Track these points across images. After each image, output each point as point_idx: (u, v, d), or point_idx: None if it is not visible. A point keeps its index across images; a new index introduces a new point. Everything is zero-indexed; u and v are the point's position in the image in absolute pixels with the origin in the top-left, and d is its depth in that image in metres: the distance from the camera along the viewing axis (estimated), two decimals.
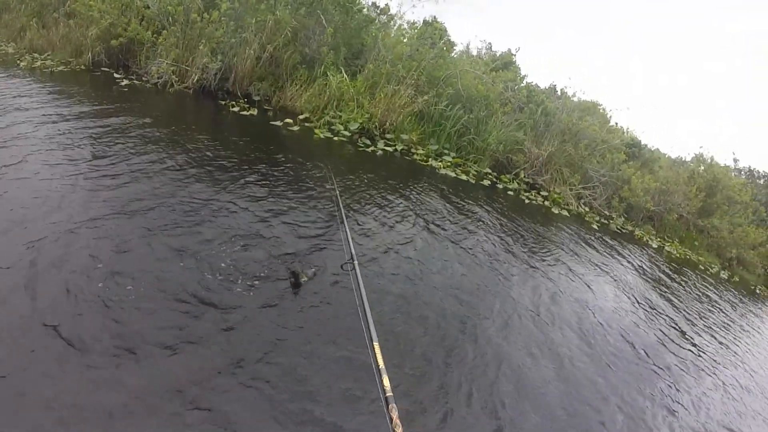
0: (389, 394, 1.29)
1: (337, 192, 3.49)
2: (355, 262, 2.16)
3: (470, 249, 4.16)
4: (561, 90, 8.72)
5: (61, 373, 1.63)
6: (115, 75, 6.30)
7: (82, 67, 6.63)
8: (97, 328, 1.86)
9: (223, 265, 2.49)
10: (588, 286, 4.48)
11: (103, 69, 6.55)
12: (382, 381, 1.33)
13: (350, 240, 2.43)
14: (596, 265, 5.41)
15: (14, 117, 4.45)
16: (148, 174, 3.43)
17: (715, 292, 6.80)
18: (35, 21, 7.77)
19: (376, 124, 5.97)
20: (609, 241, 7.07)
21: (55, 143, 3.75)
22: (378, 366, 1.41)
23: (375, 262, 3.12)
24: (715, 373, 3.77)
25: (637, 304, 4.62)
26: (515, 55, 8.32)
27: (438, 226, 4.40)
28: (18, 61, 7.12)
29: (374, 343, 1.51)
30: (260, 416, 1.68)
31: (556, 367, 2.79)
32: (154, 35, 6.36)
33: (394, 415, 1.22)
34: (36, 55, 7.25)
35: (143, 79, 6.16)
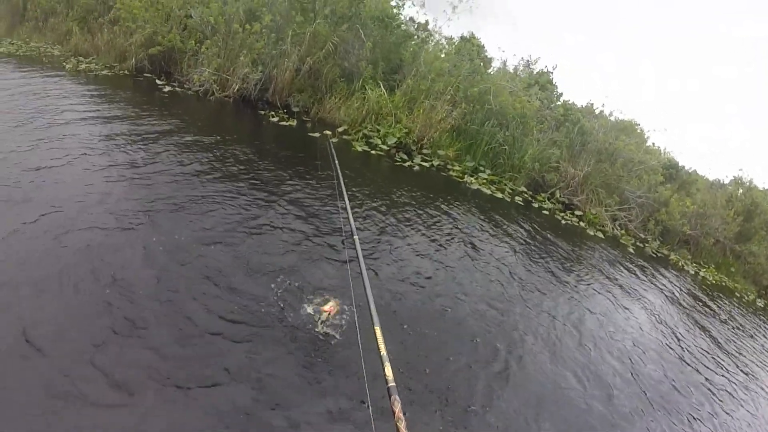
0: (391, 384, 1.18)
1: (340, 174, 3.44)
2: (356, 237, 2.11)
3: (504, 266, 4.08)
4: (599, 109, 8.49)
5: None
6: (158, 81, 6.40)
7: (126, 72, 6.77)
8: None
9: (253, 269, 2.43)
10: (620, 309, 4.31)
11: (145, 75, 6.68)
12: (384, 369, 1.23)
13: (351, 215, 2.43)
14: (630, 288, 5.20)
15: (61, 117, 4.54)
16: (187, 179, 3.44)
17: (751, 321, 6.45)
18: (80, 26, 8.03)
19: (414, 139, 5.89)
20: (644, 264, 6.80)
21: (98, 144, 3.80)
22: (380, 353, 1.30)
23: (404, 273, 3.10)
24: (752, 404, 3.53)
25: (670, 331, 4.41)
26: (552, 73, 8.17)
27: (472, 242, 4.32)
28: (64, 64, 7.33)
29: (375, 328, 1.42)
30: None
31: (577, 385, 2.65)
32: (197, 44, 6.46)
33: (397, 408, 1.10)
34: (81, 58, 7.46)
35: (185, 86, 6.24)
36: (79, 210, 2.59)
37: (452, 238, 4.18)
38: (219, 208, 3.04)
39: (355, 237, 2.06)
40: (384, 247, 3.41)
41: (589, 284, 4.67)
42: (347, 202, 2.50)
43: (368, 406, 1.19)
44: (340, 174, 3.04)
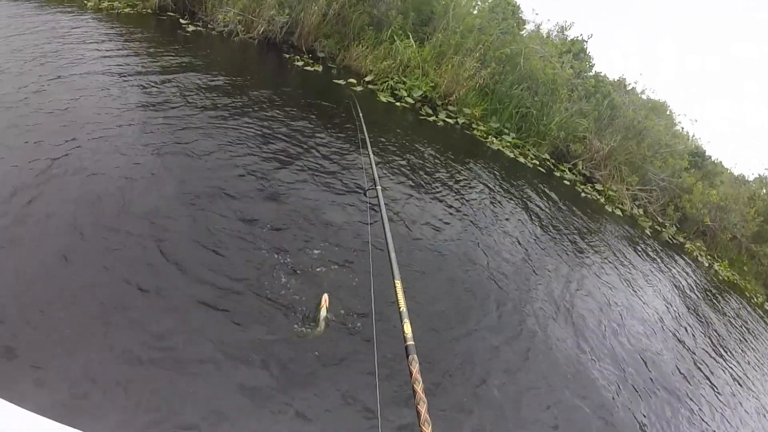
0: (410, 342, 1.10)
1: (364, 126, 3.24)
2: (378, 187, 2.02)
3: (522, 230, 4.03)
4: (630, 85, 8.17)
5: None
6: (181, 20, 6.24)
7: (149, 10, 6.60)
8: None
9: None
10: (634, 290, 4.25)
11: (169, 13, 6.50)
12: (402, 326, 1.15)
13: (374, 166, 2.30)
14: (645, 271, 5.14)
15: (82, 55, 4.44)
16: (208, 122, 3.33)
17: (757, 323, 6.34)
18: None
19: (440, 94, 5.72)
20: (659, 249, 6.69)
21: (117, 83, 3.70)
22: (399, 309, 1.22)
23: (414, 227, 3.04)
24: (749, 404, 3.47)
25: (678, 319, 4.35)
26: (587, 42, 7.83)
27: (492, 202, 4.26)
28: (85, 1, 7.19)
29: (396, 281, 1.33)
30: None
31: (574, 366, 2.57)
32: None
33: (414, 368, 1.02)
34: None
35: (209, 26, 6.08)
36: (95, 150, 2.53)
37: (472, 197, 4.13)
38: (237, 155, 2.95)
39: (378, 187, 1.97)
40: (403, 199, 3.37)
41: (605, 260, 4.61)
42: (371, 153, 2.38)
43: (376, 383, 1.11)
44: (364, 126, 2.93)
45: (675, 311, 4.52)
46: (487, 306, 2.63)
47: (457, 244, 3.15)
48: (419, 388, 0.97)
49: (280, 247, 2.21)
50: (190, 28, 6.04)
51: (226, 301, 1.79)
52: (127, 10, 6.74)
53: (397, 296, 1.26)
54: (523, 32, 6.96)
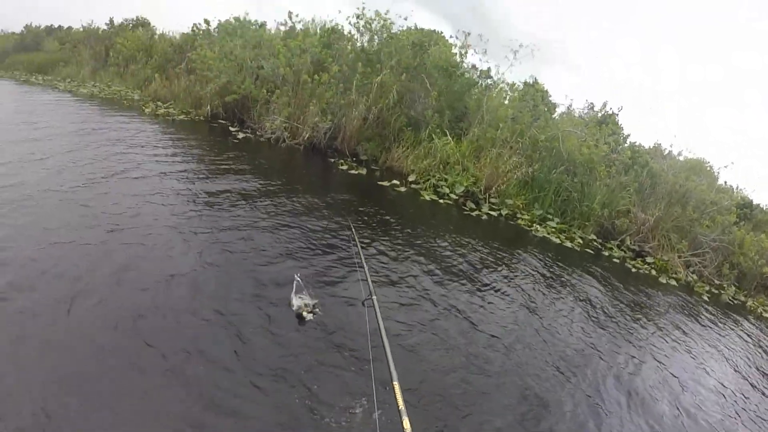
0: None
1: (354, 234, 3.42)
2: (374, 297, 2.13)
3: (572, 319, 3.84)
4: (666, 149, 8.10)
5: None
6: (231, 128, 6.76)
7: (201, 117, 7.23)
8: None
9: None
10: (694, 363, 3.90)
11: (220, 121, 7.08)
12: (402, 423, 1.25)
13: (369, 277, 2.43)
14: (708, 342, 4.74)
15: (144, 156, 4.87)
16: (263, 219, 3.55)
17: None
18: (159, 73, 8.72)
19: (481, 188, 5.81)
20: (720, 313, 6.23)
21: (174, 182, 4.05)
22: (398, 407, 1.32)
23: (469, 320, 3.05)
24: None
25: (751, 392, 3.91)
26: (618, 114, 7.91)
27: (539, 290, 4.14)
28: (143, 108, 7.94)
29: (394, 383, 1.43)
30: None
31: None
32: (268, 93, 6.80)
33: None
34: (159, 103, 8.06)
35: (257, 133, 6.54)
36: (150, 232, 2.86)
37: (523, 287, 4.06)
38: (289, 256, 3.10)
39: (374, 298, 2.12)
40: (458, 294, 3.39)
41: (665, 334, 4.32)
42: (366, 267, 2.53)
43: None
44: (356, 237, 3.19)
45: (748, 378, 4.11)
46: (537, 407, 2.52)
47: (515, 336, 3.09)
48: None
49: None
50: (240, 135, 6.50)
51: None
52: (181, 117, 7.39)
53: (395, 396, 1.36)
54: (554, 115, 7.11)
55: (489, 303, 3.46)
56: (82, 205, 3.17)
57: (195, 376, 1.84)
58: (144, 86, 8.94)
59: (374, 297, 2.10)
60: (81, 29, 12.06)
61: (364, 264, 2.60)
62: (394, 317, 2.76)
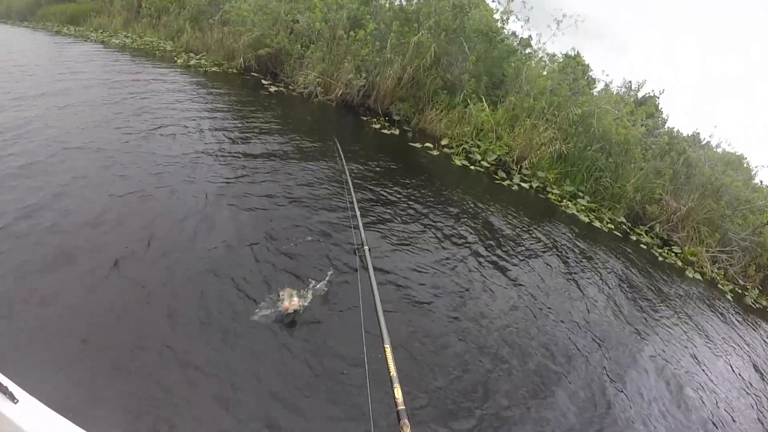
0: (401, 407, 1.10)
1: (348, 175, 3.28)
2: (366, 247, 1.94)
3: (594, 298, 3.81)
4: (705, 139, 7.79)
5: None
6: (264, 81, 6.71)
7: (234, 70, 7.17)
8: None
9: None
10: (715, 366, 3.81)
11: (252, 74, 7.02)
12: (393, 391, 1.15)
13: (361, 227, 2.26)
14: (726, 343, 4.64)
15: (175, 104, 4.88)
16: (287, 174, 3.55)
17: None
18: (192, 24, 8.65)
19: (514, 158, 5.68)
20: (741, 315, 6.09)
21: (205, 132, 4.06)
22: (390, 373, 1.21)
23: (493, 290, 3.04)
24: None
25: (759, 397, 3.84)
26: (658, 97, 7.60)
27: (563, 269, 4.08)
28: (175, 58, 7.92)
29: (385, 346, 1.31)
30: None
31: None
32: (302, 48, 6.70)
33: None
34: (191, 54, 8.02)
35: (289, 87, 6.48)
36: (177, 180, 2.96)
37: (543, 262, 4.00)
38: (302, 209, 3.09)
39: (366, 248, 1.93)
40: (480, 263, 3.34)
41: (683, 331, 4.24)
42: (358, 214, 2.36)
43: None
44: (352, 188, 2.94)
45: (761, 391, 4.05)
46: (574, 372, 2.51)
47: (531, 312, 3.04)
48: None
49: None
50: (272, 88, 6.45)
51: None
52: (214, 68, 7.35)
53: (387, 361, 1.25)
54: (594, 91, 6.86)
55: (512, 273, 3.42)
56: (119, 155, 3.22)
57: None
58: (176, 37, 8.90)
59: (366, 247, 1.93)
60: None
61: (358, 215, 2.45)
62: (409, 279, 2.73)
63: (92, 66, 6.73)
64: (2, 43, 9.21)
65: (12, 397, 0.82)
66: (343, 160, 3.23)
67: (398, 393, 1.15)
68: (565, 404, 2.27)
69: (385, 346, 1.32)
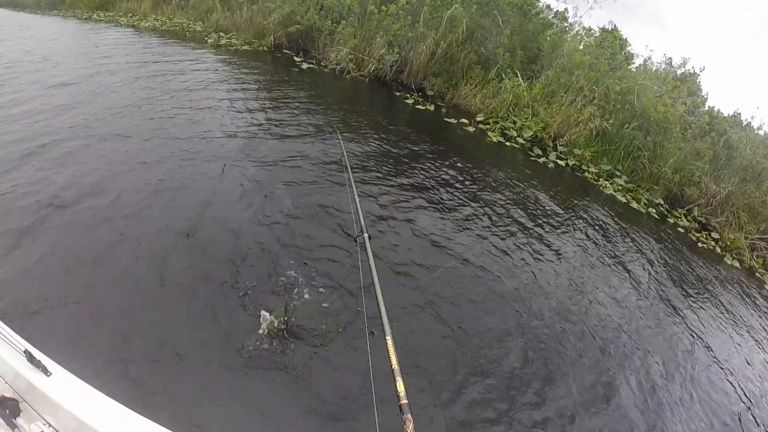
0: (404, 401, 1.05)
1: (345, 153, 3.11)
2: (366, 234, 1.83)
3: (629, 282, 3.71)
4: (746, 120, 7.46)
5: None
6: (295, 58, 6.72)
7: (264, 48, 7.20)
8: None
9: None
10: (744, 354, 3.66)
11: (284, 51, 7.04)
12: (395, 384, 1.11)
13: (361, 214, 2.07)
14: (761, 330, 4.47)
15: (208, 82, 4.93)
16: (324, 154, 3.54)
17: None
18: (221, 4, 8.71)
19: (551, 135, 5.56)
20: None
21: (240, 107, 4.14)
22: (392, 366, 1.17)
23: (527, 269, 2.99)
24: None
25: None
26: (699, 75, 7.30)
27: (602, 253, 3.97)
28: (205, 38, 7.99)
29: (387, 338, 1.27)
30: None
31: None
32: (333, 24, 6.67)
33: (409, 428, 0.98)
34: (222, 34, 8.08)
35: (321, 64, 6.48)
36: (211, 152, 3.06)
37: (580, 243, 3.91)
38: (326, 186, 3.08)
39: (365, 235, 1.82)
40: (518, 243, 3.31)
41: (719, 320, 4.10)
42: (358, 203, 2.20)
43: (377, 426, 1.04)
44: (351, 175, 2.67)
45: None
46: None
47: (561, 292, 2.99)
48: None
49: None
50: (305, 65, 6.45)
51: None
52: (244, 47, 7.40)
53: (388, 353, 1.22)
54: (631, 67, 6.63)
55: (551, 253, 3.38)
56: (160, 129, 3.32)
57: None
58: (205, 18, 8.98)
59: (366, 234, 1.83)
60: None
61: (358, 203, 2.29)
62: (442, 251, 2.73)
63: (126, 50, 6.84)
64: (38, 32, 9.43)
65: (45, 371, 0.84)
66: (345, 159, 2.99)
67: (400, 386, 1.12)
68: (623, 401, 2.25)
69: (387, 338, 1.29)
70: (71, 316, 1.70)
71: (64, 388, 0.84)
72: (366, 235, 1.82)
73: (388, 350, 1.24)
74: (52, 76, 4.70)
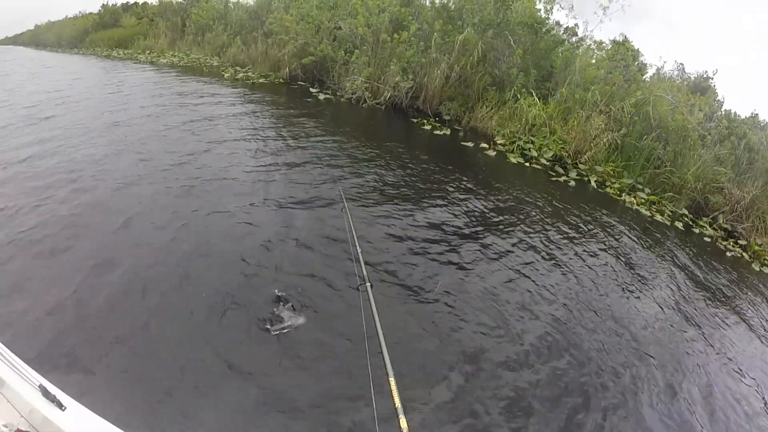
0: None
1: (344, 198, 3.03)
2: (368, 284, 1.85)
3: (657, 297, 3.65)
4: (765, 120, 7.37)
5: None
6: (311, 89, 6.93)
7: (281, 80, 7.46)
8: None
9: None
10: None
11: (299, 83, 7.28)
12: (398, 422, 1.18)
13: (362, 261, 2.12)
14: None
15: (228, 115, 5.10)
16: (351, 183, 3.67)
17: None
18: (236, 39, 9.06)
19: (569, 152, 5.60)
20: None
21: (261, 143, 4.27)
22: (395, 405, 1.24)
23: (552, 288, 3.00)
24: None
25: None
26: (713, 78, 7.28)
27: (627, 269, 3.95)
28: (222, 72, 8.31)
29: (390, 379, 1.32)
30: None
31: None
32: (347, 54, 6.88)
33: None
34: (238, 68, 8.40)
35: (337, 94, 6.67)
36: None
37: (605, 261, 3.88)
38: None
39: (367, 284, 1.84)
40: (549, 265, 3.33)
41: (752, 329, 4.02)
42: (359, 249, 2.21)
43: None
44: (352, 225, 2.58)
45: None
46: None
47: (598, 313, 2.99)
48: None
49: None
50: (321, 96, 6.65)
51: None
52: (261, 80, 7.66)
53: (392, 393, 1.27)
54: (645, 77, 6.66)
55: (579, 273, 3.41)
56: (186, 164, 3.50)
57: None
58: (222, 52, 9.33)
59: (368, 284, 1.84)
60: (156, 3, 12.73)
61: (359, 250, 2.27)
62: (476, 277, 2.79)
63: (146, 86, 7.16)
64: (62, 70, 9.93)
65: (60, 405, 0.85)
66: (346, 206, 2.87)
67: (403, 423, 1.18)
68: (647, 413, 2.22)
69: (390, 378, 1.34)
70: (85, 351, 1.76)
71: (79, 422, 0.85)
72: (369, 284, 1.85)
73: (391, 390, 1.32)
74: (84, 113, 5.00)
